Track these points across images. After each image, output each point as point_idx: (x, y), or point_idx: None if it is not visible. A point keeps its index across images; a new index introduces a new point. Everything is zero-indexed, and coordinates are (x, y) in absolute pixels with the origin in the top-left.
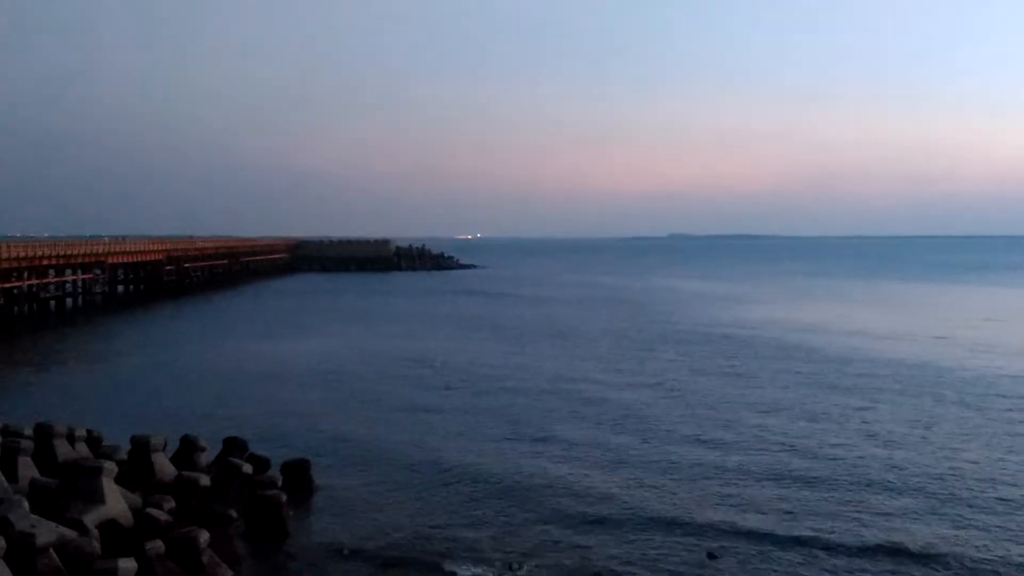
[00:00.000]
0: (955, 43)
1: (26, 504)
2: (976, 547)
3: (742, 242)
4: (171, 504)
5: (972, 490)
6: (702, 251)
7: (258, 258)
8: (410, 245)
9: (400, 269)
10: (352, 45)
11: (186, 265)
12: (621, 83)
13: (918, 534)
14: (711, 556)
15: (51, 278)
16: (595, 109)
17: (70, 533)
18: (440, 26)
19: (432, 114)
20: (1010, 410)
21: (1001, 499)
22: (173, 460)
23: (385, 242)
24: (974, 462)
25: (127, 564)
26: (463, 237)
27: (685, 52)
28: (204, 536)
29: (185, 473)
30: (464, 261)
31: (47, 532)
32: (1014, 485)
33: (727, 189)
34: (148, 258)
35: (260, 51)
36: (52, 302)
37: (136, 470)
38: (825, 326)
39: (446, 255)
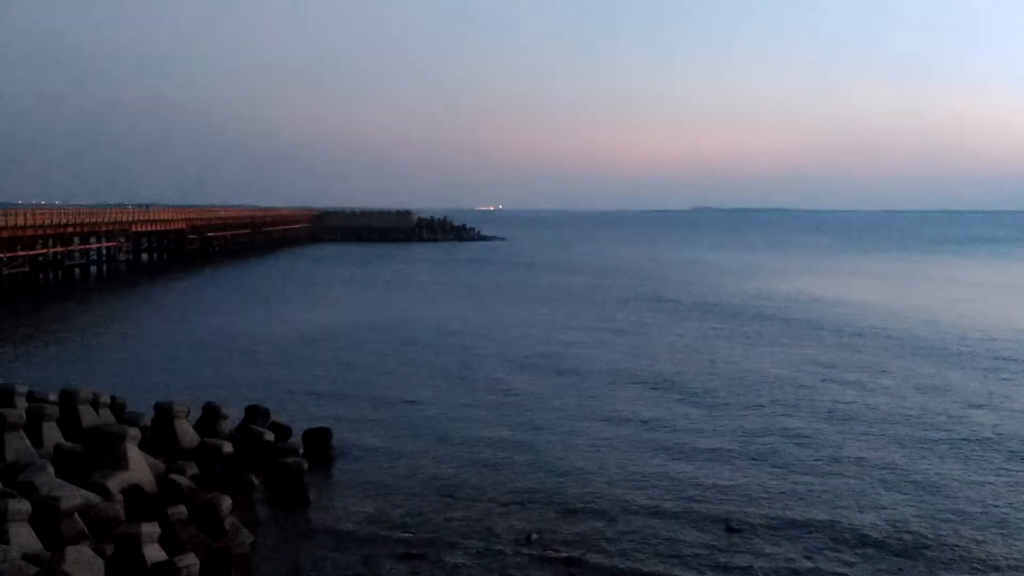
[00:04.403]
0: (986, 16)
1: (51, 469)
2: None
3: (766, 215)
4: (194, 470)
5: None
6: (725, 224)
7: (280, 228)
8: (431, 216)
9: (422, 240)
10: (377, 20)
11: (209, 234)
12: (646, 54)
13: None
14: (730, 530)
15: (76, 246)
16: (619, 80)
17: (94, 498)
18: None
19: (453, 86)
20: None
21: None
22: (196, 427)
23: (407, 213)
24: None
25: (150, 528)
26: (485, 208)
27: (711, 23)
28: (226, 502)
29: (208, 440)
30: (486, 232)
31: (71, 496)
32: None
33: (752, 162)
34: (172, 227)
35: (288, 24)
36: (77, 270)
37: (160, 437)
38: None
39: (468, 226)
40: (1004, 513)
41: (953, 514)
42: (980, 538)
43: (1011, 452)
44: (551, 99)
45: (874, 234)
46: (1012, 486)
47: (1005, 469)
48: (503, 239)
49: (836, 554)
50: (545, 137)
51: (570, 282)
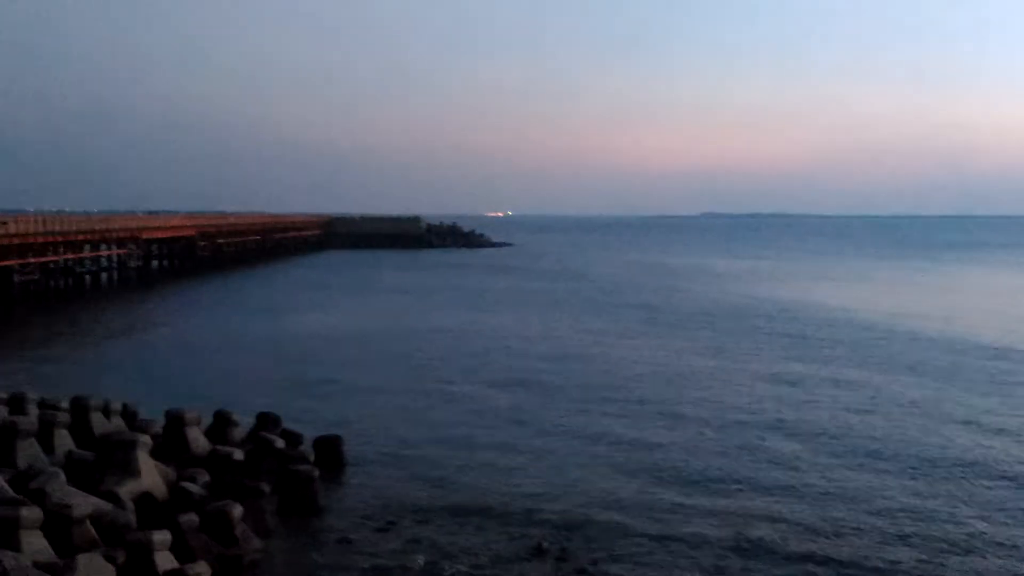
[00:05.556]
0: (995, 20)
1: (63, 476)
2: None
3: (777, 221)
4: (205, 478)
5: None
6: (734, 230)
7: (291, 234)
8: (441, 222)
9: (431, 246)
10: (388, 23)
11: (219, 241)
12: (654, 59)
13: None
14: (744, 535)
15: (86, 253)
16: (628, 85)
17: (106, 505)
18: (471, 3)
19: (463, 92)
20: None
21: None
22: (207, 434)
23: (416, 219)
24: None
25: (161, 536)
26: (494, 214)
27: (720, 27)
28: (237, 510)
29: (219, 447)
30: (496, 239)
31: (83, 504)
32: None
33: (762, 167)
34: (182, 234)
35: (297, 27)
36: (87, 277)
37: (171, 444)
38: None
39: (477, 232)
40: (996, 542)
41: (956, 546)
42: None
43: (1006, 478)
44: (560, 104)
45: (883, 239)
46: (1006, 514)
47: (998, 496)
48: (512, 245)
49: None
50: (555, 142)
51: (578, 289)
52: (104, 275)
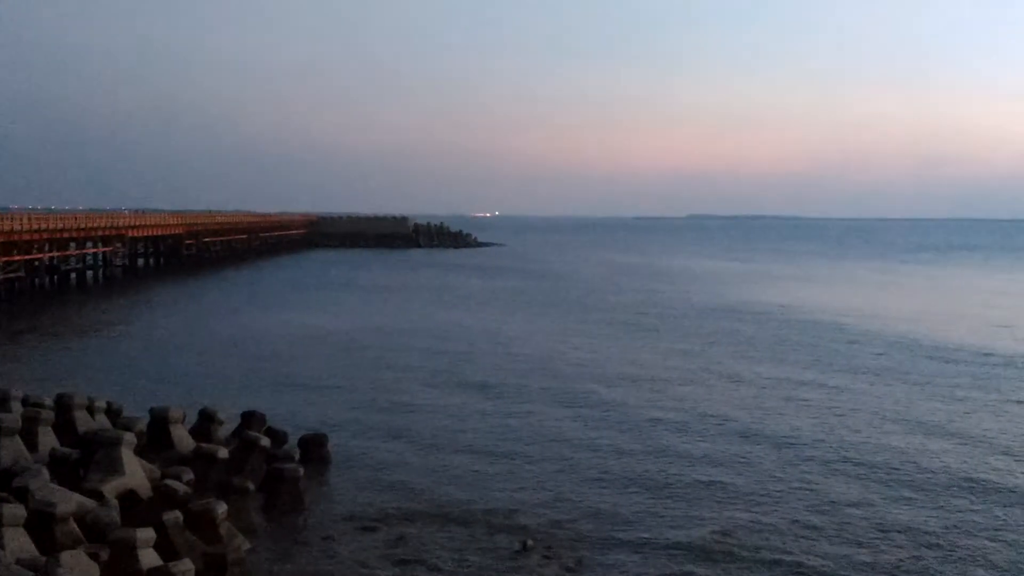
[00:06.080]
0: (987, 24)
1: (46, 473)
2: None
3: (763, 223)
4: (189, 476)
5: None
6: (720, 231)
7: (277, 233)
8: (428, 223)
9: (419, 246)
10: (375, 22)
11: (205, 240)
12: (642, 62)
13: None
14: (725, 534)
15: (72, 251)
16: (615, 87)
17: (89, 503)
18: (462, 4)
19: (449, 92)
20: None
21: None
22: (191, 432)
23: (404, 219)
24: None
25: (145, 534)
26: (481, 215)
27: (708, 31)
28: (222, 508)
29: (203, 445)
30: (483, 239)
31: (67, 501)
32: None
33: (747, 169)
34: (168, 232)
35: (283, 26)
36: (73, 274)
37: (155, 442)
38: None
39: (464, 233)
40: (972, 545)
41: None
42: None
43: (980, 484)
44: (548, 105)
45: (870, 242)
46: (980, 519)
47: (968, 502)
48: (499, 245)
49: None
50: (543, 144)
51: (562, 289)
52: (90, 273)
